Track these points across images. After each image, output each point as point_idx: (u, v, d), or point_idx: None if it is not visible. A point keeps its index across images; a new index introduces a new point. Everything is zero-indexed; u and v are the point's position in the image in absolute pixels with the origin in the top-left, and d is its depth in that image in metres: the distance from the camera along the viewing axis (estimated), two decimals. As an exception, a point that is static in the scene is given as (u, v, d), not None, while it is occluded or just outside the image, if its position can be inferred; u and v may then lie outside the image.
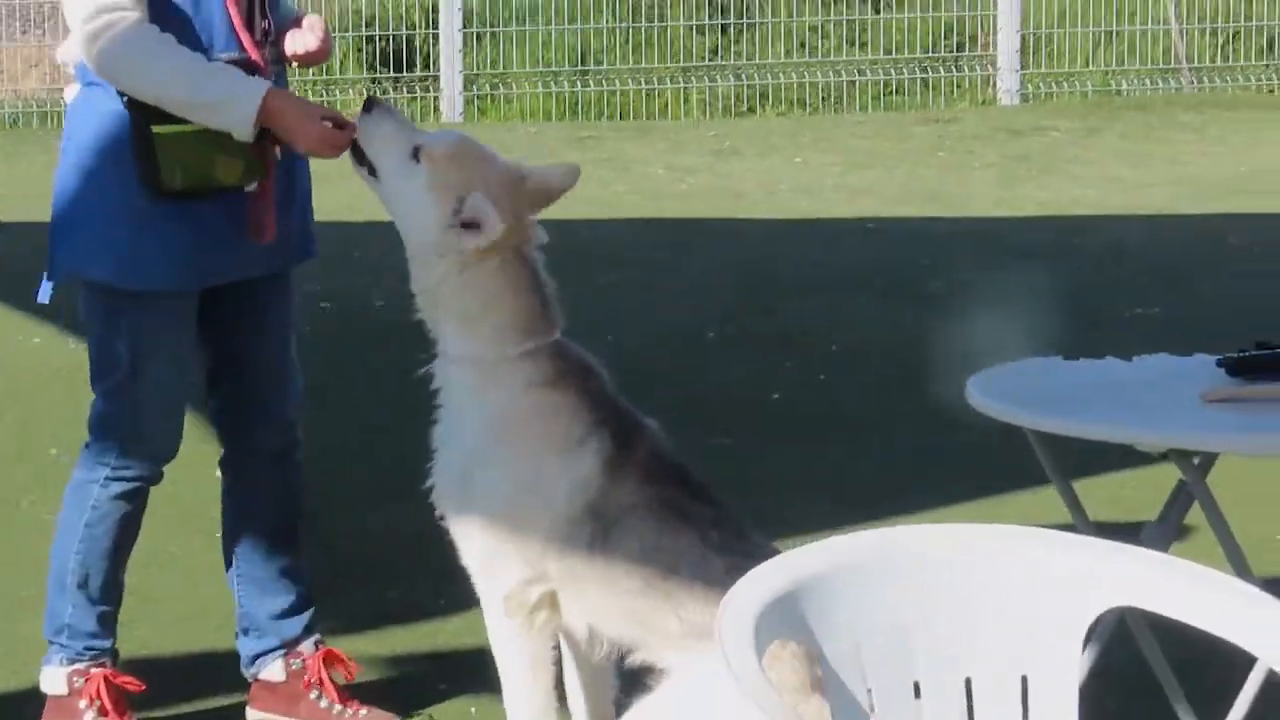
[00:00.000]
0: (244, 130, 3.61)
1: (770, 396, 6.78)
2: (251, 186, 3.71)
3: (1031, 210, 10.09)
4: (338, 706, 4.01)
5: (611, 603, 3.48)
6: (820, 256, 8.80)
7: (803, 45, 14.00)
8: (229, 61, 3.65)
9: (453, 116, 13.40)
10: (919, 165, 11.40)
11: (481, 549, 3.53)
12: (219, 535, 4.20)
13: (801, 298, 8.07)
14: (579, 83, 13.72)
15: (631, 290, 8.27)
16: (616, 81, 13.82)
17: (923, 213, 10.01)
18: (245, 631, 4.06)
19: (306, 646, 4.02)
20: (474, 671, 4.37)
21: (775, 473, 5.83)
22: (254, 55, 3.68)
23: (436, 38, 13.61)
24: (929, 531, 2.66)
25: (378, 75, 13.74)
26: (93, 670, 3.88)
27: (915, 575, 2.58)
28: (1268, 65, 13.70)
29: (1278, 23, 14.02)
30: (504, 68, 13.80)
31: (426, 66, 13.75)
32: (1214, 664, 3.15)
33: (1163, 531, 3.42)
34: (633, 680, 3.56)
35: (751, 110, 13.69)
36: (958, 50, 13.94)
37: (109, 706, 3.86)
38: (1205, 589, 2.52)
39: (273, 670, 4.03)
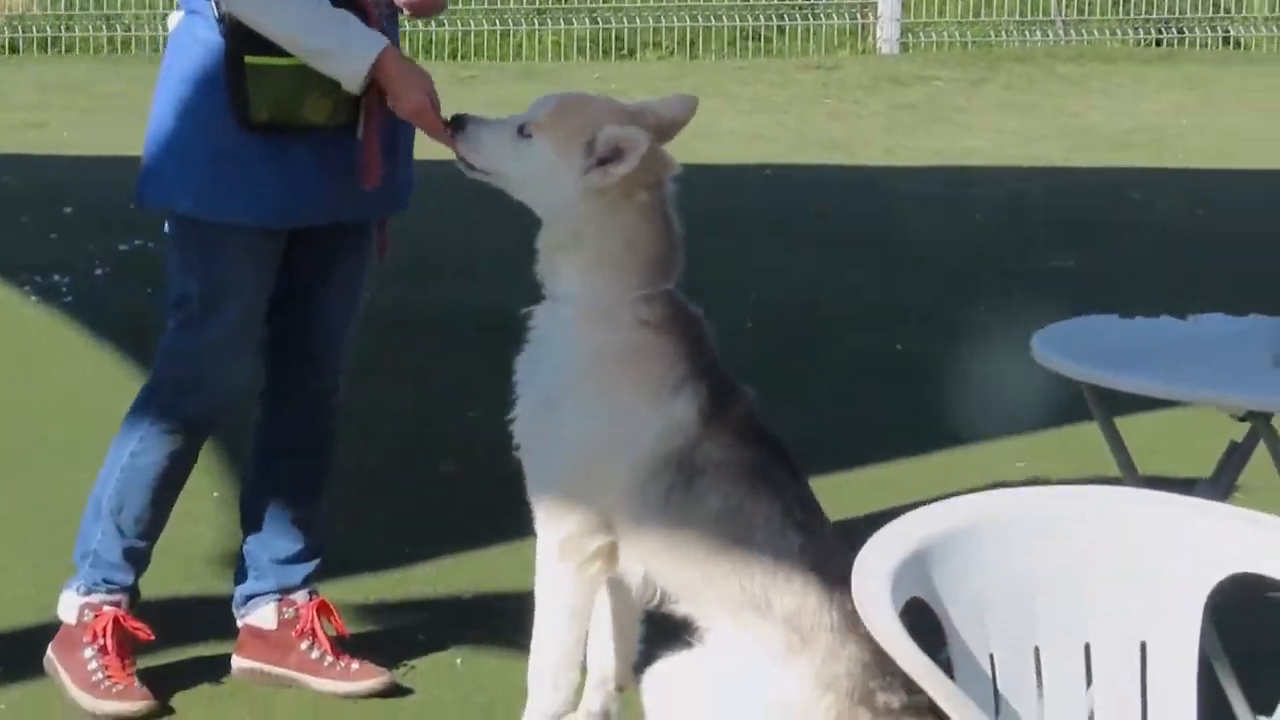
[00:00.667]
0: (354, 82, 3.60)
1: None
2: (340, 124, 3.68)
3: (927, 159, 10.09)
4: (329, 658, 3.92)
5: (677, 554, 3.41)
6: (723, 203, 8.71)
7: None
8: (335, 3, 3.60)
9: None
10: (807, 112, 11.37)
11: (554, 487, 3.46)
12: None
13: (712, 246, 7.99)
14: (433, 22, 13.46)
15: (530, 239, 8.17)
16: (471, 22, 13.59)
17: (819, 160, 9.98)
18: (244, 571, 3.99)
19: (300, 596, 3.94)
20: (452, 623, 4.39)
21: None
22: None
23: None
24: (1054, 493, 2.62)
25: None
26: (105, 607, 3.82)
27: (1038, 537, 2.52)
28: (1147, 19, 13.83)
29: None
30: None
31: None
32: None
33: (1216, 491, 3.38)
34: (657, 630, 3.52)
35: (632, 54, 13.55)
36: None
37: (111, 648, 3.80)
38: None
39: (263, 615, 3.95)
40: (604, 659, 3.60)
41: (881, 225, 8.38)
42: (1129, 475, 3.53)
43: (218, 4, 3.63)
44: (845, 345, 6.66)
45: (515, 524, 4.46)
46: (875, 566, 2.35)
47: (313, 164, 3.71)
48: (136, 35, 12.88)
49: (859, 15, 13.71)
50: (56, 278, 7.12)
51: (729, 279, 7.35)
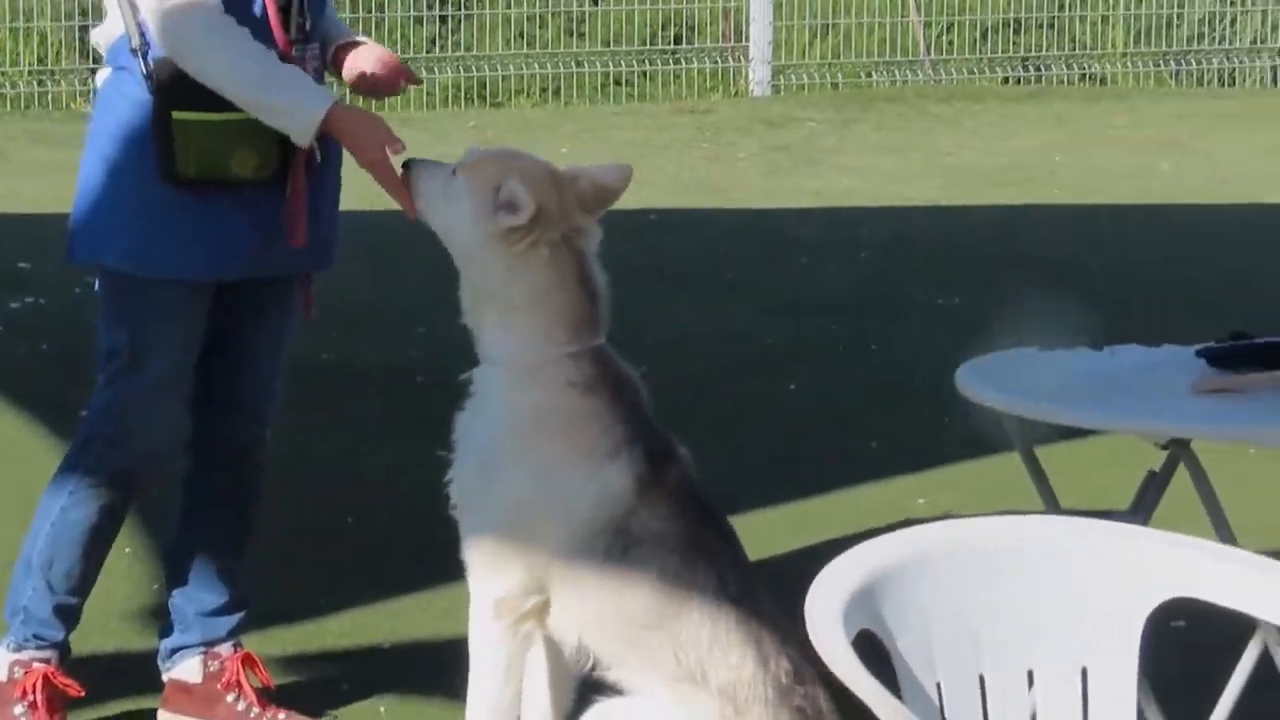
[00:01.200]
0: (304, 137, 3.68)
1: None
2: (267, 178, 3.78)
3: (808, 201, 10.26)
4: (255, 709, 3.96)
5: (611, 622, 3.49)
6: (611, 248, 8.82)
7: (521, 36, 14.00)
8: None
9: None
10: (684, 156, 11.51)
11: (489, 548, 3.52)
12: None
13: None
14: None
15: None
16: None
17: (700, 204, 10.14)
18: (169, 625, 4.04)
19: (225, 648, 3.98)
20: (373, 671, 4.46)
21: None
22: (285, 50, 3.72)
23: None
24: (994, 523, 2.67)
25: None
26: (35, 664, 3.88)
27: (980, 566, 2.59)
28: (1012, 58, 14.12)
29: (990, 15, 14.47)
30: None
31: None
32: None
33: (1136, 519, 3.49)
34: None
35: (504, 102, 13.67)
36: (675, 43, 14.10)
37: (40, 704, 3.86)
38: (1268, 578, 2.57)
39: (188, 669, 3.99)
40: (539, 715, 3.67)
41: (767, 268, 8.52)
42: (1051, 506, 3.64)
43: (145, 61, 3.70)
44: (740, 387, 6.76)
45: (430, 573, 4.60)
46: (825, 601, 2.39)
47: (240, 219, 3.78)
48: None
49: (729, 58, 13.89)
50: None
51: (620, 324, 7.43)
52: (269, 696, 4.02)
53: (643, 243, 9.00)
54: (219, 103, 3.69)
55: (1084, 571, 2.59)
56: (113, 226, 3.84)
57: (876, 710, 2.28)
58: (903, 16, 14.09)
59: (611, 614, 3.49)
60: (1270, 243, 9.19)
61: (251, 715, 3.96)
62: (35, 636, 3.90)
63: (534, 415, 3.52)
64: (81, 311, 6.01)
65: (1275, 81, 14.54)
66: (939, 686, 2.50)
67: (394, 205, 3.65)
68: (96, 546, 3.89)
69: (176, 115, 3.69)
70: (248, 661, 3.98)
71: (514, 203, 3.45)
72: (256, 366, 4.00)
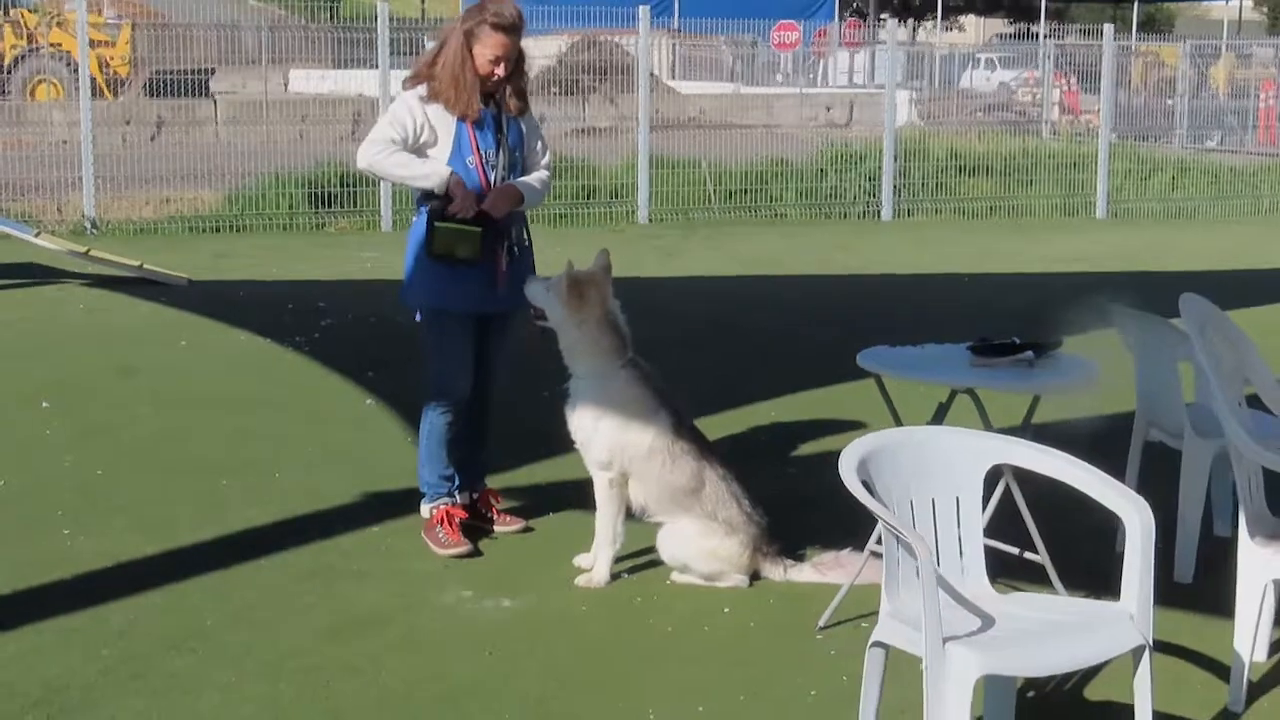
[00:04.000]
0: (440, 187, 6.91)
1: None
2: (478, 261, 6.98)
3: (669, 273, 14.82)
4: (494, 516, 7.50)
5: (665, 492, 6.62)
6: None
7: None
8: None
9: None
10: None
11: (600, 458, 6.71)
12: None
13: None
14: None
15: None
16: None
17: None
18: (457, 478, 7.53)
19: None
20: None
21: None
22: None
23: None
24: (918, 429, 5.38)
25: None
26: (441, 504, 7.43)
27: (912, 448, 5.20)
28: (756, 204, 17.92)
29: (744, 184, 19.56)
30: None
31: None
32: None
33: (939, 423, 6.54)
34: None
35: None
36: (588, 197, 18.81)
37: (448, 526, 7.36)
38: (1052, 457, 5.32)
39: (462, 499, 7.60)
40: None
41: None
42: (894, 419, 6.85)
43: (421, 207, 7.05)
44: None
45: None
46: (846, 463, 5.03)
47: (475, 278, 7.01)
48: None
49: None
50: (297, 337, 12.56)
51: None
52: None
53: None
54: (454, 221, 6.71)
55: (955, 450, 5.27)
56: (412, 283, 7.14)
57: (880, 516, 4.95)
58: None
59: (664, 488, 6.66)
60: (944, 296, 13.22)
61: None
62: (437, 493, 7.38)
63: (613, 398, 6.62)
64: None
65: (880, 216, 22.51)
66: (911, 505, 5.13)
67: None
68: (448, 439, 7.10)
69: (437, 224, 6.80)
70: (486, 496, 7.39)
71: (562, 291, 6.57)
72: (494, 361, 7.16)
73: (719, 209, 22.29)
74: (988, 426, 6.78)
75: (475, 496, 7.60)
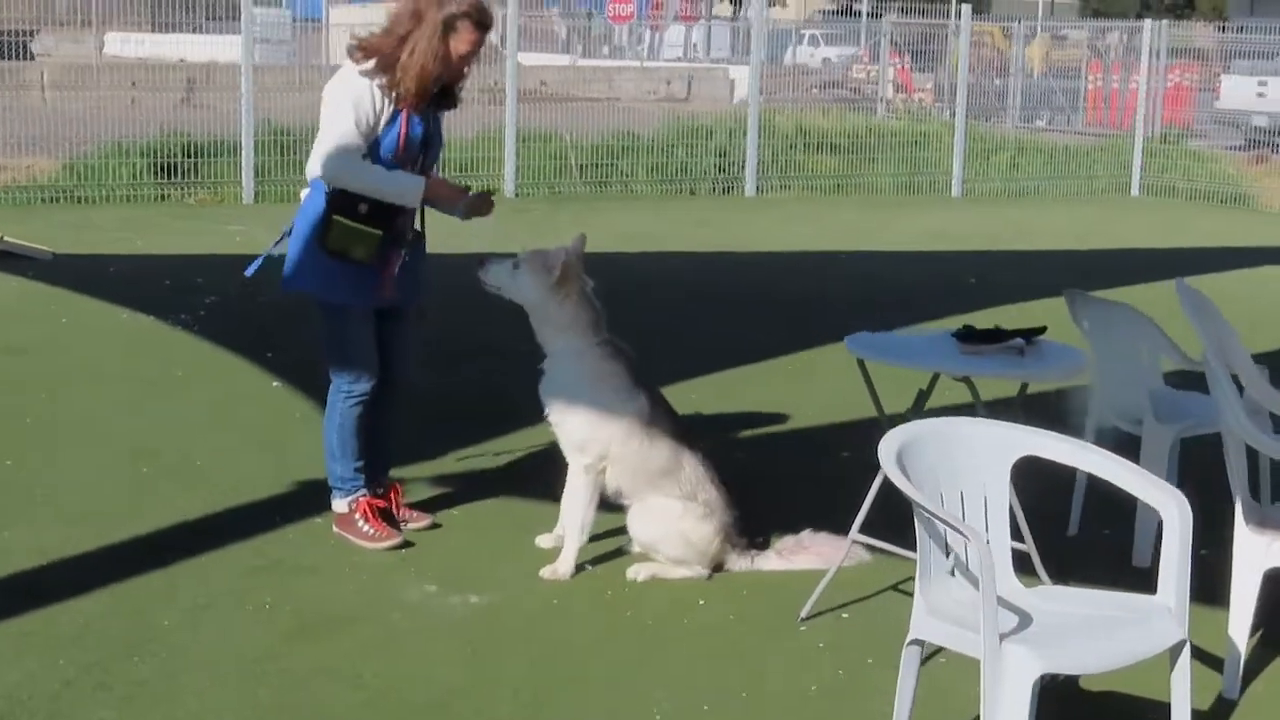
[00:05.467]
0: (417, 201, 6.55)
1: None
2: (370, 262, 6.64)
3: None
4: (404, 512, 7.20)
5: (641, 475, 6.45)
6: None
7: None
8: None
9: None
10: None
11: (577, 440, 6.51)
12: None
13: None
14: None
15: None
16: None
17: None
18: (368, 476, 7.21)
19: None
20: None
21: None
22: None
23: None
24: (945, 421, 5.26)
25: None
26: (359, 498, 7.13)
27: (940, 439, 5.12)
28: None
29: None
30: None
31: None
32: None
33: (915, 414, 6.40)
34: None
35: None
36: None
37: (373, 518, 7.09)
38: (1085, 450, 5.24)
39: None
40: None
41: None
42: (879, 411, 6.60)
43: (316, 184, 6.54)
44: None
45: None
46: (887, 457, 4.93)
47: (366, 276, 6.68)
48: None
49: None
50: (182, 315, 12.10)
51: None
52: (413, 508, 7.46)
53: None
54: (357, 218, 6.40)
55: (980, 441, 5.18)
56: (298, 270, 6.72)
57: (918, 503, 4.84)
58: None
59: (641, 471, 6.47)
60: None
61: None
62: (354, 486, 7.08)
63: (590, 375, 6.43)
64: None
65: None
66: (942, 497, 5.05)
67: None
68: (359, 430, 6.83)
69: (335, 217, 6.48)
70: (395, 492, 7.10)
71: (552, 268, 6.30)
72: (398, 350, 6.95)
73: (580, 183, 22.20)
74: (980, 414, 6.67)
75: (381, 491, 7.24)
